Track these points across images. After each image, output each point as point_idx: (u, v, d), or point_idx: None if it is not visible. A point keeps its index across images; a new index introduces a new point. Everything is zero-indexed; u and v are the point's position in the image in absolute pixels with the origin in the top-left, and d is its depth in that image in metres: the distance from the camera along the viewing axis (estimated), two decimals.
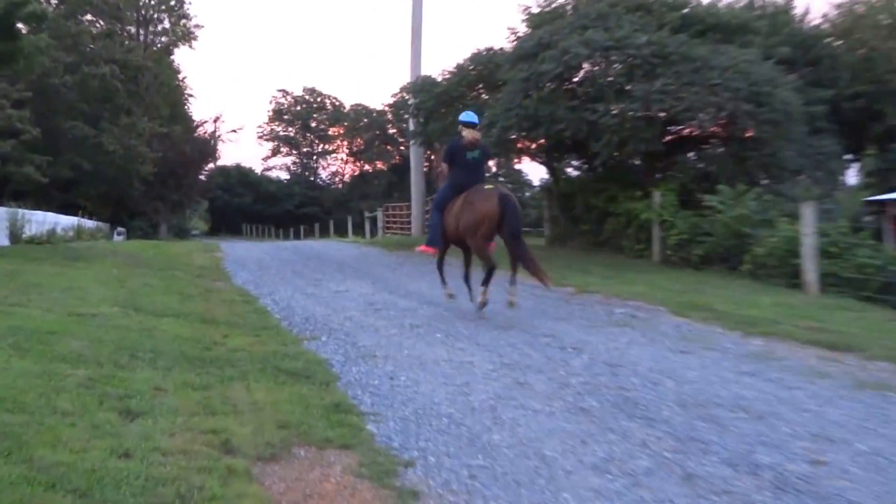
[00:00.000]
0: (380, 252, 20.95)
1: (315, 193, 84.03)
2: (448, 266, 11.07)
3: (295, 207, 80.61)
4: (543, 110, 16.62)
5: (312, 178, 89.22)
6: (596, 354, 7.53)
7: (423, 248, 10.75)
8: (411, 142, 26.95)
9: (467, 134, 10.33)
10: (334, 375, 6.47)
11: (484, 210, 9.63)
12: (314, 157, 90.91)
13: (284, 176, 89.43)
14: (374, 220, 37.28)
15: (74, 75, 44.30)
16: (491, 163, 22.19)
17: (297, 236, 58.26)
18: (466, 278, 10.73)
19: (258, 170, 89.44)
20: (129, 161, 46.32)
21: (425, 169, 33.38)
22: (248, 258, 18.64)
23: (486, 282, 9.79)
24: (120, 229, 44.47)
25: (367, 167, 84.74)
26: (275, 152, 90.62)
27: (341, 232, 46.11)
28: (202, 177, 69.62)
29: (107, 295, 9.94)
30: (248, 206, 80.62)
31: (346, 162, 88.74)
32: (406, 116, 30.53)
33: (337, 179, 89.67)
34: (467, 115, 10.57)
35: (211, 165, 73.31)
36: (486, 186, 9.95)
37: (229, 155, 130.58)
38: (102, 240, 32.42)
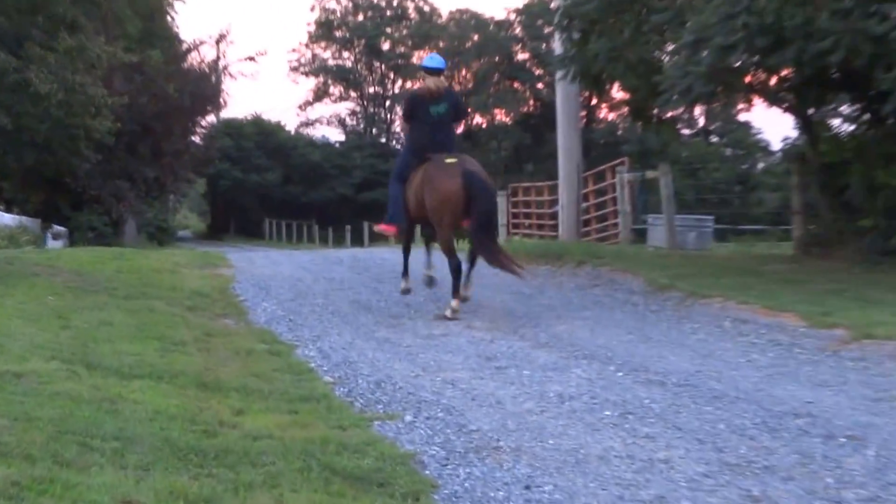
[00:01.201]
0: None
1: (387, 166, 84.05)
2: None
3: (354, 190, 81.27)
4: (791, 17, 16.44)
5: (384, 140, 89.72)
6: (889, 449, 7.41)
7: (381, 227, 14.83)
8: (557, 75, 26.66)
9: (430, 82, 13.77)
10: (428, 482, 6.50)
11: (444, 191, 13.06)
12: (387, 104, 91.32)
13: (336, 136, 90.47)
14: None
15: None
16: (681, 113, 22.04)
17: (357, 240, 58.75)
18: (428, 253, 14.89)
19: (291, 127, 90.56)
20: (73, 111, 47.04)
21: (583, 123, 33.15)
22: (277, 277, 18.96)
23: (456, 285, 13.48)
24: (58, 229, 45.40)
25: (478, 119, 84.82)
26: (319, 95, 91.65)
27: None
28: (196, 138, 69.75)
29: (39, 340, 10.19)
30: (275, 188, 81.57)
31: None
32: (548, 31, 30.50)
33: None
34: (431, 60, 14.36)
35: (212, 118, 74.09)
36: (448, 160, 13.32)
37: (242, 101, 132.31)
38: (29, 246, 33.18)
